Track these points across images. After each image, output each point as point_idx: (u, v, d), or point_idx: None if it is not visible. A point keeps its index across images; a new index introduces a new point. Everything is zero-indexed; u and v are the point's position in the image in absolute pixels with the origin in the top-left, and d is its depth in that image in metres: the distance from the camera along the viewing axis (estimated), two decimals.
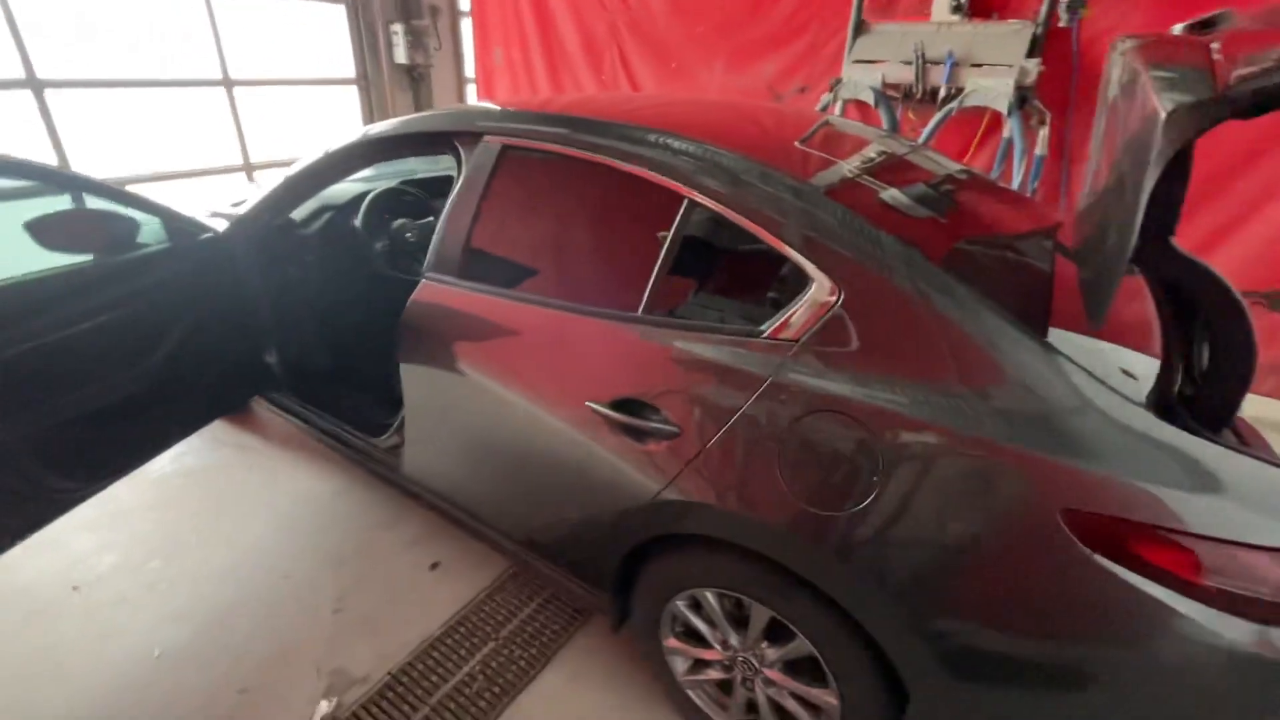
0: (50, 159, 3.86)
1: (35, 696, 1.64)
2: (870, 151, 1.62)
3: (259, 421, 2.81)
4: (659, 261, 1.33)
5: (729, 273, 1.67)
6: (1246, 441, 0.98)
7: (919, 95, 3.28)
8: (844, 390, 1.08)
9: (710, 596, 1.36)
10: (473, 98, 6.15)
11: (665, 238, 1.33)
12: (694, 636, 1.47)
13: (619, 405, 1.31)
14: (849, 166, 1.44)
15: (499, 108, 1.67)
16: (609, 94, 4.33)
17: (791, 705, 1.35)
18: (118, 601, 1.92)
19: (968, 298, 1.05)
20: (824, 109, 3.56)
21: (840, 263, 1.14)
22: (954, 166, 1.80)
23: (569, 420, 1.40)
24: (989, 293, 1.06)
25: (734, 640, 1.38)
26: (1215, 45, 0.88)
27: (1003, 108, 3.01)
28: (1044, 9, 2.96)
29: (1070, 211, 3.15)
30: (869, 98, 3.39)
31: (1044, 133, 3.04)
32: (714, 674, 1.47)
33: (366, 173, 2.45)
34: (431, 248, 1.63)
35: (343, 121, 5.57)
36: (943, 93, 3.20)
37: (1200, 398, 0.95)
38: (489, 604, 1.93)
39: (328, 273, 2.38)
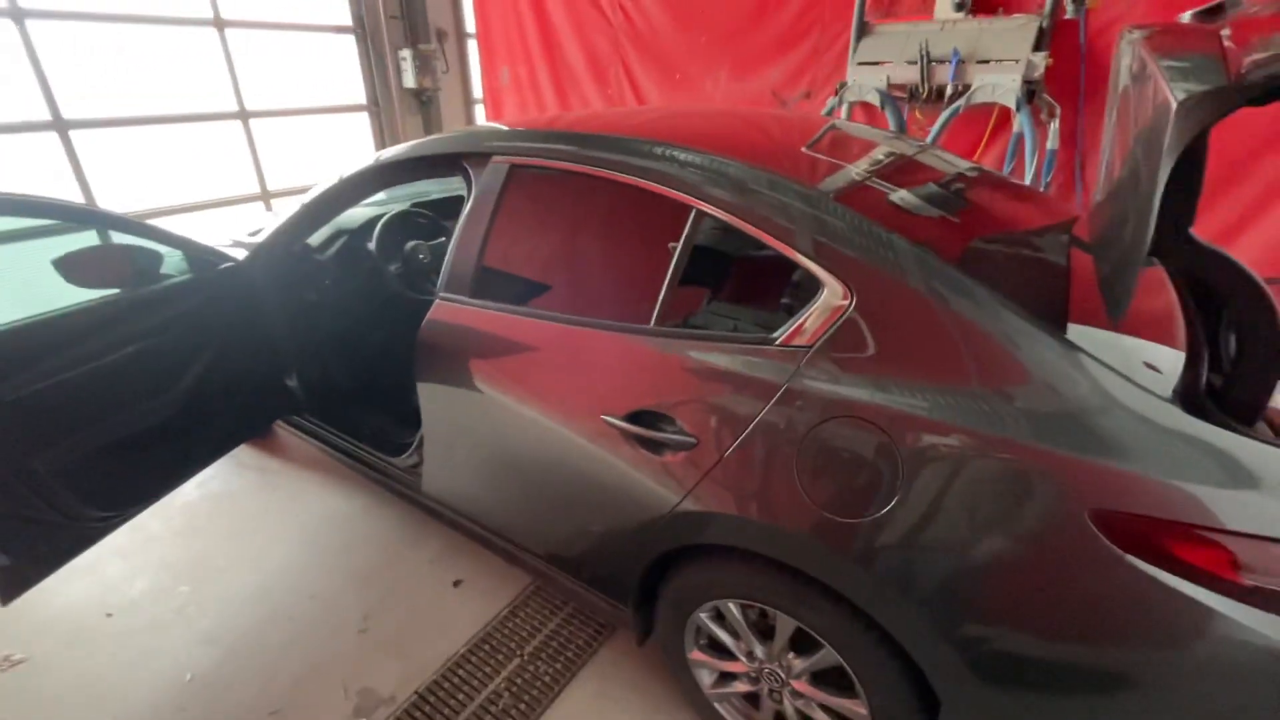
0: (77, 196, 3.99)
1: None
2: (878, 154, 1.62)
3: (281, 445, 2.85)
4: (669, 272, 1.33)
5: (740, 281, 1.67)
6: None
7: (925, 95, 3.27)
8: (861, 395, 1.07)
9: (734, 608, 1.35)
10: (481, 118, 6.25)
11: (675, 248, 1.33)
12: (719, 649, 1.46)
13: (634, 418, 1.31)
14: (857, 170, 1.44)
15: (506, 127, 1.69)
16: (614, 109, 4.38)
17: (820, 717, 1.33)
18: (150, 626, 1.95)
19: (984, 296, 1.04)
20: (829, 113, 3.56)
21: (851, 267, 1.13)
22: (964, 164, 1.79)
23: (585, 434, 1.40)
24: (1006, 291, 1.05)
25: (759, 651, 1.36)
26: (1226, 32, 0.86)
27: (1011, 103, 2.99)
28: (1049, 1, 2.94)
29: (1086, 204, 3.11)
30: (875, 99, 3.38)
31: (1055, 126, 3.01)
32: (741, 686, 1.46)
33: (379, 196, 2.49)
34: (444, 268, 1.65)
35: (355, 147, 5.68)
36: (949, 91, 3.18)
37: (1229, 390, 0.93)
38: (512, 620, 1.93)
39: (344, 296, 2.42)
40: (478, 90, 6.15)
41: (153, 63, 4.29)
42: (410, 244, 2.28)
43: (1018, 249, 1.40)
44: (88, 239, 1.76)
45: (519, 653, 1.82)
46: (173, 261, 1.89)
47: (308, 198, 2.04)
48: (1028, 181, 3.01)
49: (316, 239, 2.36)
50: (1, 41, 3.57)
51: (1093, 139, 3.09)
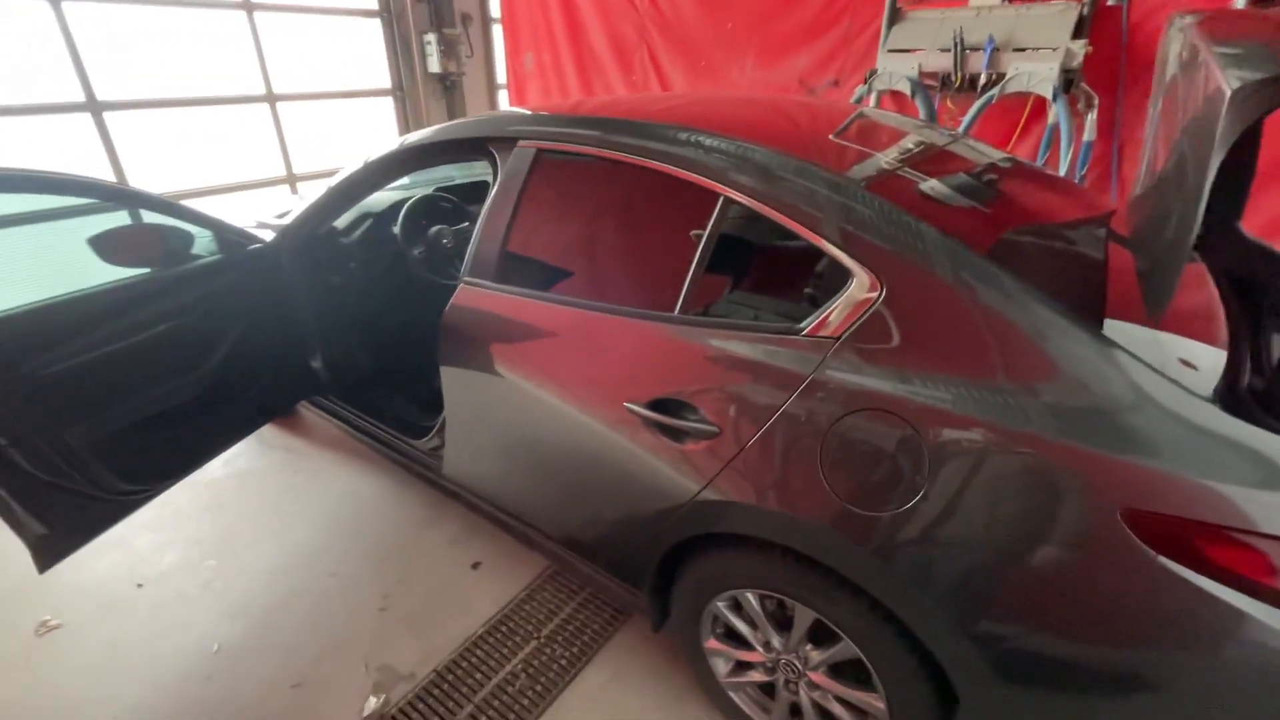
0: (109, 176, 4.06)
1: (107, 688, 1.73)
2: (909, 142, 1.58)
3: (305, 425, 2.90)
4: (695, 260, 1.32)
5: (766, 270, 1.66)
6: None
7: (958, 83, 3.19)
8: (888, 388, 1.05)
9: (751, 598, 1.35)
10: (504, 103, 6.24)
11: (701, 236, 1.32)
12: (735, 638, 1.46)
13: (657, 405, 1.31)
14: (887, 158, 1.41)
15: (532, 112, 1.69)
16: (641, 94, 4.34)
17: (837, 709, 1.33)
18: (178, 598, 2.01)
19: (1017, 290, 1.02)
20: (858, 101, 3.49)
21: (881, 257, 1.11)
22: (998, 155, 1.75)
23: (607, 421, 1.40)
24: (1039, 284, 1.03)
25: (776, 642, 1.36)
26: None
27: (1048, 93, 2.91)
28: None
29: (1123, 198, 3.03)
30: (905, 88, 3.31)
31: (1092, 117, 2.93)
32: (756, 676, 1.46)
33: (403, 181, 2.50)
34: (469, 252, 1.66)
35: (379, 132, 5.71)
36: (983, 80, 3.10)
37: (1272, 390, 0.90)
38: (529, 603, 1.95)
39: (369, 279, 2.44)
40: (502, 75, 6.14)
41: (183, 45, 4.34)
42: (434, 228, 2.29)
43: (1052, 241, 1.37)
44: (121, 219, 1.80)
45: (536, 635, 1.84)
46: (203, 242, 1.92)
47: (334, 181, 2.06)
48: (1062, 174, 2.93)
49: (342, 222, 2.38)
50: (37, 24, 3.63)
51: (1131, 131, 3.00)
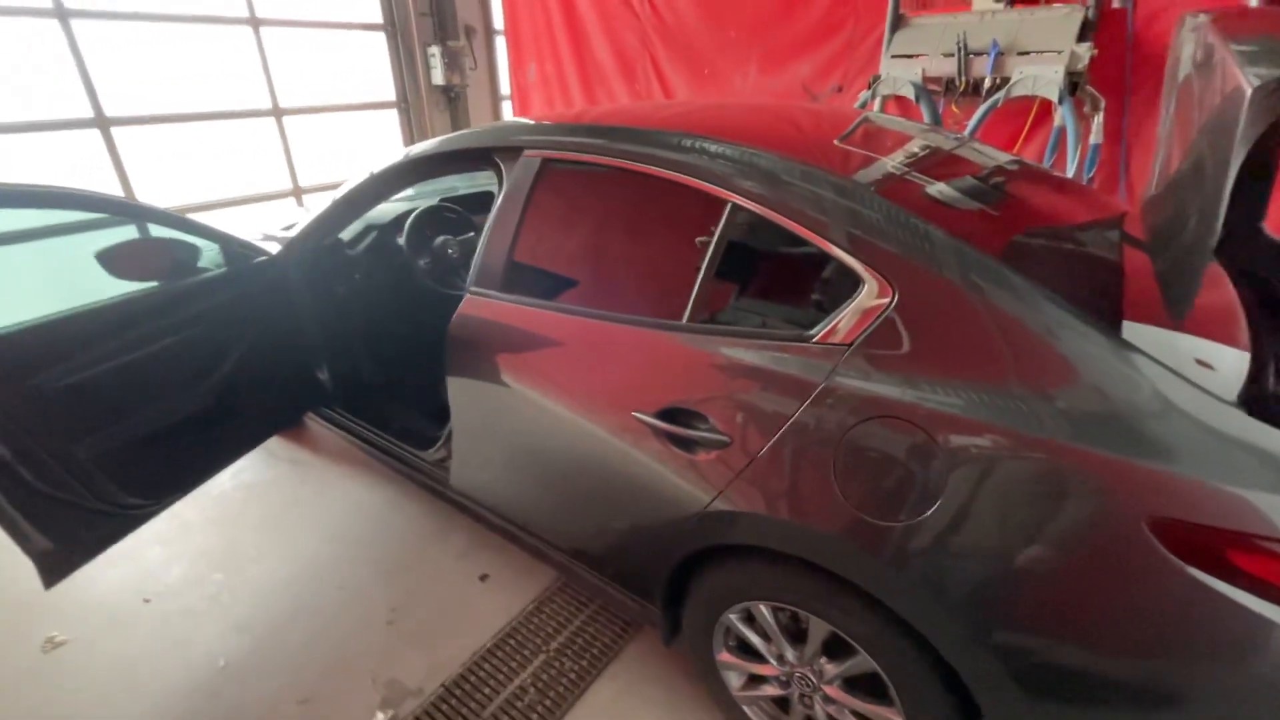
0: (117, 191, 4.09)
1: (113, 704, 1.71)
2: (915, 146, 1.57)
3: (312, 437, 2.89)
4: (703, 267, 1.31)
5: (775, 277, 1.64)
6: None
7: (962, 88, 3.19)
8: (902, 395, 1.03)
9: (765, 610, 1.33)
10: (508, 114, 6.27)
11: (708, 243, 1.31)
12: (748, 651, 1.44)
13: (666, 414, 1.29)
14: (894, 162, 1.40)
15: (537, 122, 1.69)
16: (645, 102, 4.35)
17: None
18: (185, 612, 1.99)
19: (1032, 293, 1.00)
20: (862, 107, 3.49)
21: (891, 262, 1.10)
22: (1005, 158, 1.73)
23: (615, 431, 1.39)
24: (1055, 287, 1.01)
25: (790, 655, 1.34)
26: None
27: (1053, 96, 2.89)
28: None
29: (1131, 200, 3.00)
30: (909, 93, 3.31)
31: (1098, 120, 2.91)
32: (770, 690, 1.43)
33: (408, 192, 2.50)
34: (475, 262, 1.65)
35: (384, 144, 5.74)
36: (988, 84, 3.10)
37: None
38: (538, 616, 1.93)
39: (375, 290, 2.44)
40: (505, 87, 6.18)
41: (190, 60, 4.38)
42: (439, 239, 2.30)
43: (1065, 244, 1.35)
44: (128, 233, 1.80)
45: (544, 648, 1.82)
46: (209, 255, 1.93)
47: (339, 193, 2.06)
48: (1069, 176, 2.91)
49: (348, 234, 2.38)
50: (46, 40, 3.67)
51: (1138, 133, 2.98)
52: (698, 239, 1.38)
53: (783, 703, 1.45)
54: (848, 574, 1.13)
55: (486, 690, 1.71)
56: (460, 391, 1.73)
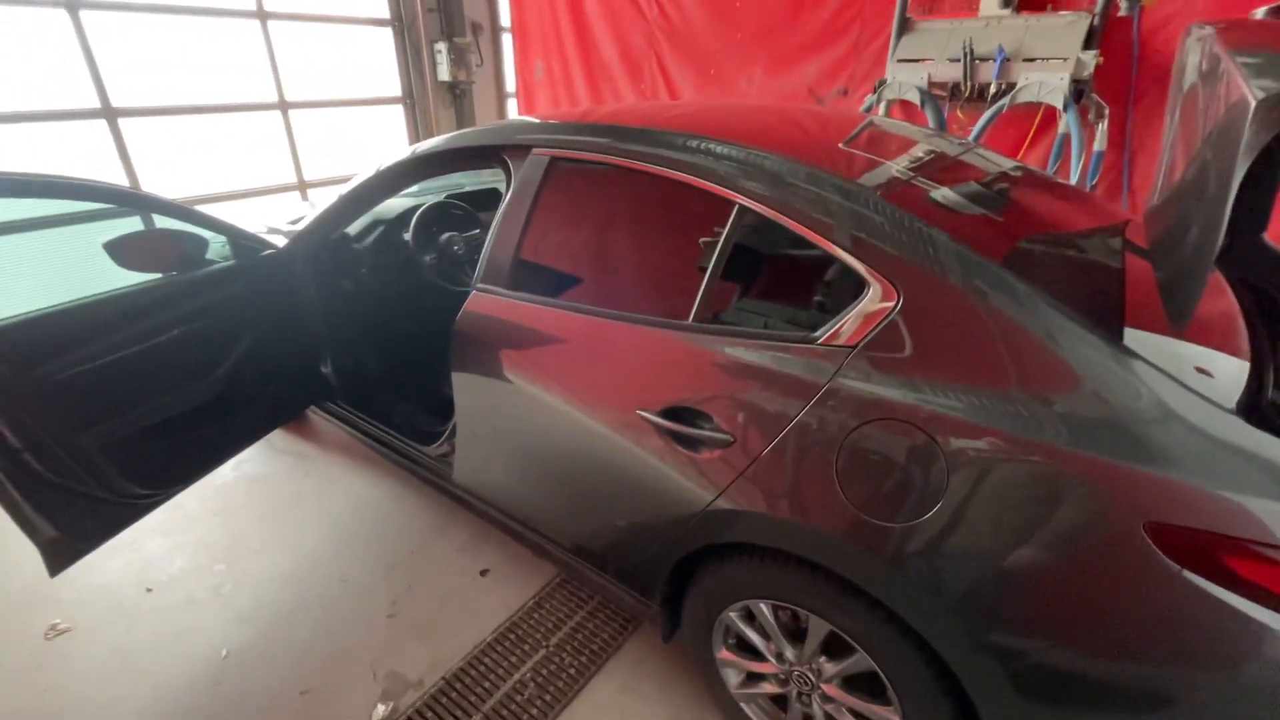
0: (124, 182, 4.10)
1: (115, 692, 1.73)
2: (920, 151, 1.58)
3: (315, 430, 2.90)
4: (709, 267, 1.32)
5: (780, 278, 1.65)
6: None
7: (967, 93, 3.20)
8: (906, 397, 1.05)
9: (765, 608, 1.34)
10: (514, 112, 6.28)
11: (715, 243, 1.32)
12: (748, 649, 1.45)
13: (670, 413, 1.30)
14: (899, 166, 1.41)
15: (545, 121, 1.70)
16: (652, 102, 4.36)
17: None
18: (187, 603, 2.01)
19: (1035, 298, 1.01)
20: (868, 110, 3.50)
21: (896, 266, 1.11)
22: (1009, 164, 1.74)
23: (619, 429, 1.40)
24: (1057, 293, 1.02)
25: (789, 654, 1.35)
26: None
27: (1058, 103, 2.91)
28: None
29: (1134, 208, 3.02)
30: (915, 97, 3.32)
31: (1103, 127, 2.92)
32: (769, 688, 1.45)
33: (414, 188, 2.51)
34: (482, 259, 1.66)
35: (389, 139, 5.75)
36: (993, 89, 3.11)
37: None
38: (538, 611, 1.94)
39: (380, 285, 2.45)
40: (511, 84, 6.19)
41: (197, 53, 4.39)
42: (445, 235, 2.31)
43: (1068, 251, 1.36)
44: (135, 224, 1.81)
45: (545, 644, 1.83)
46: (216, 247, 1.94)
47: (346, 188, 2.07)
48: (1073, 184, 2.92)
49: (354, 229, 2.39)
50: (55, 31, 3.68)
51: (1142, 141, 2.99)
52: (703, 239, 1.39)
53: (781, 701, 1.46)
54: (848, 574, 1.14)
55: (486, 684, 1.72)
56: (465, 387, 1.74)
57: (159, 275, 1.77)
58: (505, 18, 5.84)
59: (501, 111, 6.35)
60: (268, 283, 2.01)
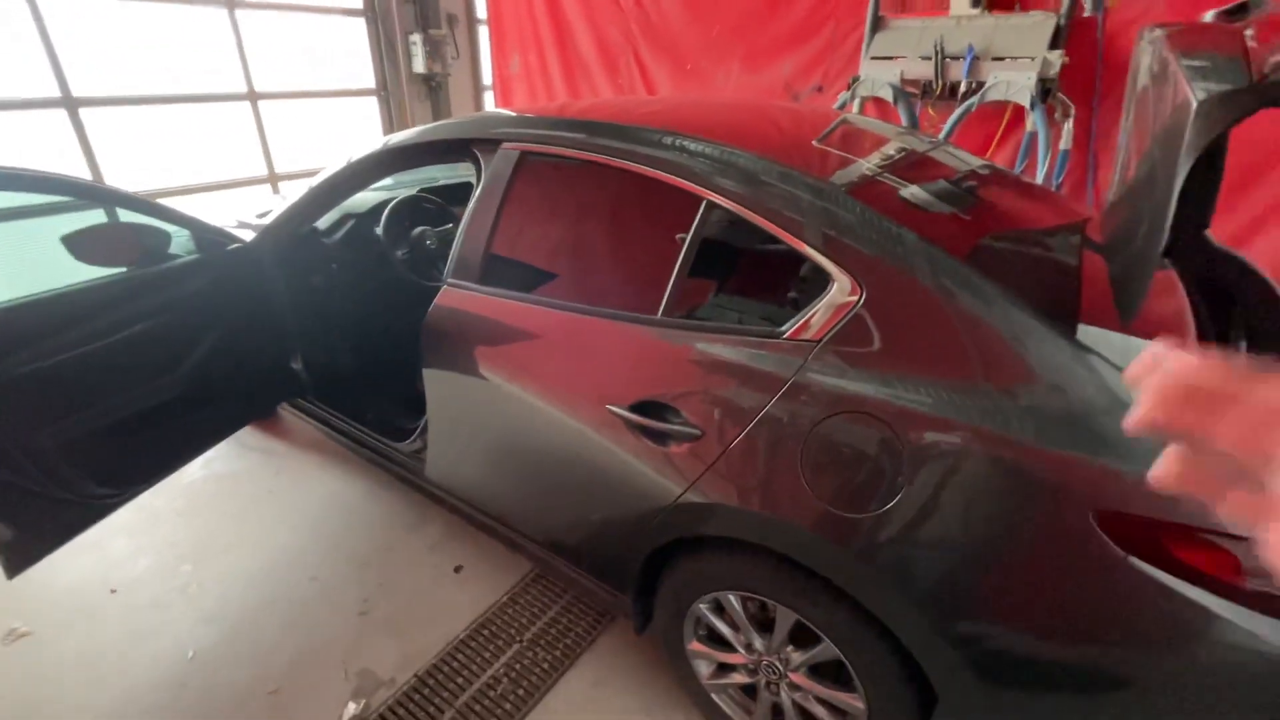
0: (85, 174, 3.98)
1: (78, 696, 1.69)
2: (890, 149, 1.60)
3: (285, 427, 2.86)
4: (678, 263, 1.33)
5: (748, 273, 1.67)
6: None
7: (939, 91, 3.24)
8: (867, 390, 1.07)
9: (734, 599, 1.36)
10: (490, 105, 6.22)
11: (684, 239, 1.33)
12: (718, 640, 1.47)
13: (639, 408, 1.31)
14: (869, 164, 1.43)
15: (517, 114, 1.69)
16: (625, 98, 4.35)
17: (817, 710, 1.34)
18: (152, 604, 1.97)
19: (994, 294, 1.03)
20: (842, 107, 3.53)
21: (861, 261, 1.12)
22: (976, 162, 1.78)
23: (590, 423, 1.40)
24: (1016, 289, 1.04)
25: (758, 644, 1.37)
26: (1249, 32, 0.85)
27: (1025, 101, 2.96)
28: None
29: (1098, 205, 3.09)
30: (888, 95, 3.35)
31: (1068, 126, 2.98)
32: (739, 678, 1.47)
33: (386, 181, 2.48)
34: (452, 254, 1.65)
35: (363, 131, 5.66)
36: (963, 88, 3.15)
37: None
38: (512, 607, 1.94)
39: (351, 280, 2.42)
40: (487, 77, 6.12)
41: (162, 42, 4.27)
42: (418, 229, 2.28)
43: (1029, 248, 1.39)
44: (96, 217, 1.76)
45: (518, 639, 1.83)
46: (180, 241, 1.89)
47: (316, 181, 2.04)
48: (1039, 181, 2.99)
49: (324, 223, 2.35)
50: (12, 18, 3.56)
51: (1106, 140, 3.06)
52: (675, 235, 1.39)
53: (750, 691, 1.49)
54: (813, 565, 1.16)
55: (459, 681, 1.72)
56: (436, 383, 1.73)
57: (120, 270, 1.73)
58: (482, 10, 5.77)
59: (478, 104, 6.29)
60: (234, 277, 1.98)
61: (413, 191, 2.42)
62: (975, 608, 1.03)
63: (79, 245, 1.64)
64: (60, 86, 3.79)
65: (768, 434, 1.16)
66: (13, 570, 1.53)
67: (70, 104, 3.86)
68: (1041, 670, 1.00)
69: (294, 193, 2.14)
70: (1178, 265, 1.14)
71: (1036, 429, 0.95)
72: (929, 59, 3.19)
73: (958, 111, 3.14)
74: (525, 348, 1.53)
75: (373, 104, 5.69)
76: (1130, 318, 0.97)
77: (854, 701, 1.25)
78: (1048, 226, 1.56)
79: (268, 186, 5.01)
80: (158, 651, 1.81)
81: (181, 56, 4.37)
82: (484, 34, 5.87)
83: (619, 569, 1.52)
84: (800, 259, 1.22)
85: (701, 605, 1.42)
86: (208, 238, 1.94)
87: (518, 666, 1.75)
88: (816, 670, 1.31)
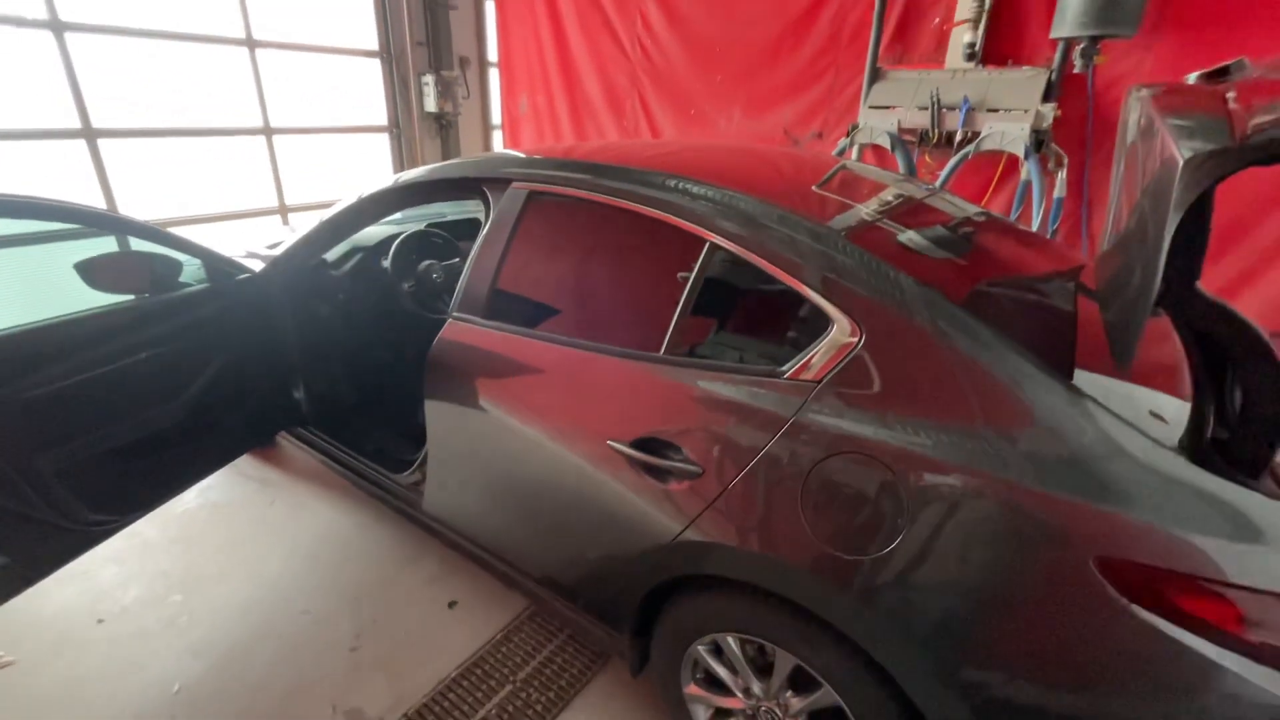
0: (100, 203, 4.06)
1: None
2: (888, 195, 1.65)
3: (283, 456, 2.85)
4: (681, 302, 1.35)
5: (749, 314, 1.69)
6: None
7: (935, 139, 3.34)
8: (868, 431, 1.08)
9: (732, 641, 1.34)
10: (498, 144, 6.37)
11: (687, 279, 1.35)
12: (716, 683, 1.44)
13: (641, 444, 1.32)
14: (868, 209, 1.47)
15: (526, 155, 1.74)
16: (631, 141, 4.47)
17: None
18: (140, 635, 1.93)
19: (991, 339, 1.05)
20: (840, 153, 3.63)
21: (860, 304, 1.15)
22: (972, 209, 1.82)
23: (590, 459, 1.41)
24: (1013, 334, 1.06)
25: (757, 688, 1.34)
26: (1231, 94, 0.89)
27: (1019, 151, 3.05)
28: (1058, 56, 3.02)
29: (1092, 253, 3.15)
30: (885, 142, 3.45)
31: (1062, 175, 3.06)
32: None
33: (395, 217, 2.53)
34: (459, 288, 1.68)
35: (373, 167, 5.78)
36: (959, 137, 3.25)
37: (1235, 443, 0.94)
38: (506, 645, 1.90)
39: (356, 311, 2.45)
40: (497, 117, 6.29)
41: (182, 76, 4.40)
42: (425, 263, 2.32)
43: (1025, 293, 1.42)
44: (109, 245, 1.80)
45: (512, 679, 1.79)
46: (191, 270, 1.93)
47: (327, 214, 2.09)
48: (1034, 229, 3.05)
49: (333, 254, 2.40)
50: (40, 52, 3.68)
51: (1099, 189, 3.14)
52: (677, 275, 1.42)
53: None
54: (813, 607, 1.15)
55: None
56: (438, 415, 1.74)
57: (130, 297, 1.76)
58: (493, 53, 5.97)
59: (487, 143, 6.45)
60: (241, 306, 2.00)
61: (421, 226, 2.47)
62: (976, 653, 1.01)
63: (91, 272, 1.67)
64: (81, 118, 3.90)
65: (768, 473, 1.16)
66: (2, 597, 1.51)
67: (90, 135, 3.96)
68: (1043, 718, 0.99)
69: (304, 225, 2.18)
70: (1170, 314, 1.17)
71: (1035, 473, 0.96)
72: (926, 109, 3.29)
73: (954, 160, 3.23)
74: (528, 382, 1.54)
75: (384, 140, 5.83)
76: (1126, 364, 0.99)
77: None
78: (1044, 273, 1.59)
79: (278, 218, 5.09)
80: (144, 684, 1.77)
81: (200, 91, 4.50)
82: (494, 76, 6.06)
83: (616, 607, 1.50)
84: (800, 300, 1.25)
85: (699, 647, 1.40)
86: (218, 267, 1.97)
87: (510, 707, 1.71)
88: (816, 717, 1.28)
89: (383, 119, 5.76)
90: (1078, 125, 3.10)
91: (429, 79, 5.60)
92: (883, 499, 1.05)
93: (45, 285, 1.75)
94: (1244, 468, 0.90)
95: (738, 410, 1.21)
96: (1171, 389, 1.12)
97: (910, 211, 1.58)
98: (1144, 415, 1.00)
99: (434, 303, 2.29)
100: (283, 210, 5.12)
